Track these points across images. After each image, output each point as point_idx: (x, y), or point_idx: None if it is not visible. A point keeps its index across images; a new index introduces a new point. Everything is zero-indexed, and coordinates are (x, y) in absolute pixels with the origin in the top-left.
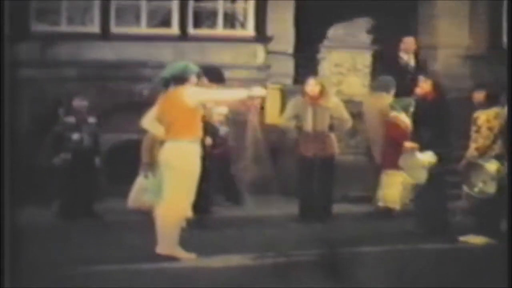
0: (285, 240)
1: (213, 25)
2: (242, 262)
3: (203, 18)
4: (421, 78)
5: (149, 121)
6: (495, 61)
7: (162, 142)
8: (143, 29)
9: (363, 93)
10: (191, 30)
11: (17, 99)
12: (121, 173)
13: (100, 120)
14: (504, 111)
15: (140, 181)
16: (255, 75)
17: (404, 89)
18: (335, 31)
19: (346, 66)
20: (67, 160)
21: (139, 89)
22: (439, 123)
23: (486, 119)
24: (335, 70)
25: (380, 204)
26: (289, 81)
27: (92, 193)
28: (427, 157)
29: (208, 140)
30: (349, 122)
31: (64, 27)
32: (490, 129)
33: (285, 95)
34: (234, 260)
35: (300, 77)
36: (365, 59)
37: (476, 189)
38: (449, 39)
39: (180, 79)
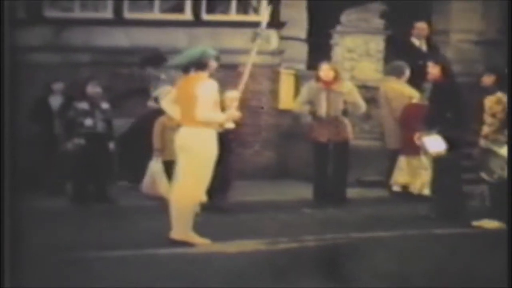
0: (299, 225)
1: (226, 10)
2: (256, 247)
3: (216, 3)
4: (430, 64)
5: (167, 102)
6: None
7: (173, 128)
8: (156, 14)
9: (377, 78)
10: (204, 16)
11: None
12: (135, 158)
13: (114, 105)
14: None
15: (153, 167)
16: (268, 60)
17: (417, 74)
18: (348, 16)
19: (359, 51)
20: (80, 145)
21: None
22: (450, 107)
23: (490, 105)
24: (348, 55)
25: (396, 189)
26: (302, 66)
27: (106, 178)
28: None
29: (230, 124)
30: (362, 107)
31: (77, 13)
32: (493, 115)
33: (299, 80)
34: (248, 245)
35: (313, 62)
36: (378, 44)
37: (495, 176)
38: (461, 24)
39: (199, 64)
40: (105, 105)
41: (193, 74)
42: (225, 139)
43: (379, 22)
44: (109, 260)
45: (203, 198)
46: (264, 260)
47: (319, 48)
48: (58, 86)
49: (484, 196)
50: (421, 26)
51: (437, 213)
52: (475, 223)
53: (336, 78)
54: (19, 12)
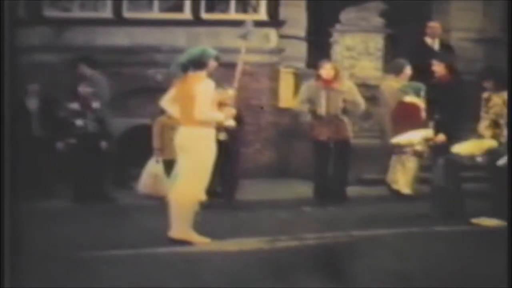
0: (299, 224)
1: (225, 9)
2: (257, 246)
3: (215, 2)
4: (435, 62)
5: (167, 101)
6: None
7: (172, 127)
8: (155, 14)
9: (376, 77)
10: (203, 15)
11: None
12: (135, 158)
13: (108, 105)
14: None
15: (151, 167)
16: (268, 59)
17: (427, 73)
18: (347, 15)
19: (358, 49)
20: (72, 145)
21: (153, 74)
22: (454, 105)
23: (494, 103)
24: (347, 54)
25: (394, 187)
26: (302, 65)
27: (102, 177)
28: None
29: (230, 122)
30: (362, 106)
31: (76, 13)
32: (496, 113)
33: (298, 78)
34: (249, 243)
35: (313, 61)
36: (377, 42)
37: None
38: (462, 23)
39: (198, 63)
40: (96, 105)
41: (191, 73)
42: (232, 138)
43: (378, 21)
44: (108, 260)
45: (203, 197)
46: (264, 259)
47: (318, 46)
48: (33, 87)
49: (477, 193)
50: (434, 25)
51: (437, 211)
52: (474, 220)
53: (336, 76)
54: (19, 12)
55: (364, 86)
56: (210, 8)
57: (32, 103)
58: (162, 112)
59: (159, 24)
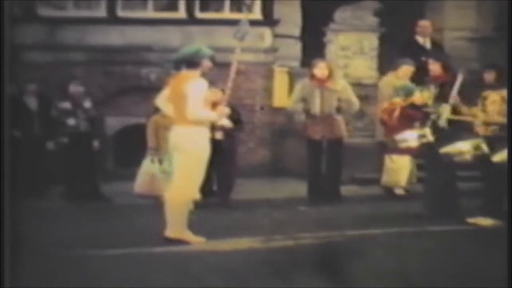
0: (293, 223)
1: (219, 8)
2: (251, 245)
3: (210, 1)
4: (431, 61)
5: (162, 100)
6: (502, 43)
7: (166, 126)
8: (149, 13)
9: (370, 76)
10: (197, 14)
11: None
12: (129, 157)
13: (101, 104)
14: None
15: (147, 166)
16: (262, 58)
17: (421, 72)
18: (341, 14)
19: (352, 49)
20: (64, 144)
21: (146, 73)
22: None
23: (493, 100)
24: (342, 53)
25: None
26: (296, 64)
27: (95, 177)
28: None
29: (228, 122)
30: (356, 105)
31: (70, 11)
32: (494, 111)
33: (292, 78)
34: (243, 243)
35: (307, 60)
36: (372, 42)
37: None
38: (456, 22)
39: (191, 62)
40: (87, 104)
41: (184, 72)
42: (228, 137)
43: (373, 20)
44: (104, 259)
45: (197, 196)
46: (258, 258)
47: (313, 45)
48: (32, 86)
49: (472, 191)
50: (425, 24)
51: (431, 210)
52: (470, 220)
53: (330, 76)
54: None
55: (358, 85)
56: (204, 7)
57: (31, 103)
58: (156, 111)
59: (153, 23)
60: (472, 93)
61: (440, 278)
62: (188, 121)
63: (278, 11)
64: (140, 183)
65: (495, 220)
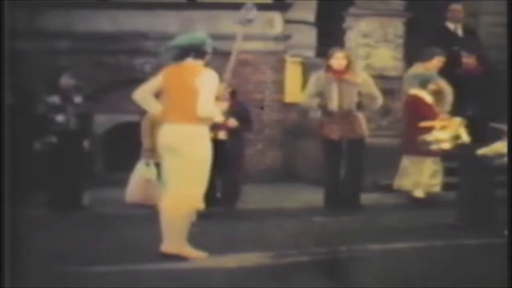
0: (308, 235)
1: None
2: (260, 261)
3: None
4: (464, 54)
5: (143, 94)
6: None
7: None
8: None
9: (395, 67)
10: None
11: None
12: (120, 159)
13: (90, 99)
14: None
15: (141, 170)
16: (272, 47)
17: (451, 62)
18: None
19: (375, 36)
20: (52, 145)
21: (141, 64)
22: (486, 100)
23: None
24: (363, 41)
25: (418, 195)
26: (311, 53)
27: (82, 182)
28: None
29: (233, 121)
30: (379, 100)
31: None
32: None
33: (306, 69)
34: (251, 258)
35: (323, 49)
36: (397, 28)
37: None
38: (492, 5)
39: (200, 51)
40: (78, 99)
41: (190, 62)
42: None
43: (398, 3)
44: (89, 277)
45: (201, 205)
46: (268, 276)
47: (329, 33)
48: (10, 79)
49: None
50: (456, 8)
51: (466, 221)
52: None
53: (349, 67)
54: None
55: (382, 78)
56: None
57: (10, 98)
58: None
59: (148, 7)
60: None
61: None
62: (190, 118)
63: None
64: (133, 190)
65: None
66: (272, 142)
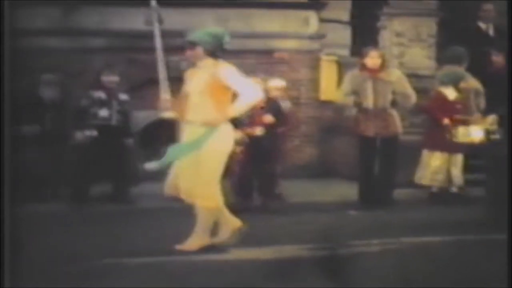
0: (343, 229)
1: None
2: (296, 254)
3: None
4: (493, 52)
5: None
6: None
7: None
8: None
9: (428, 66)
10: None
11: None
12: (156, 155)
13: (132, 96)
14: None
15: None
16: (307, 45)
17: (482, 62)
18: None
19: (408, 35)
20: (92, 138)
21: (176, 61)
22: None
23: None
24: (396, 40)
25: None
26: (345, 52)
27: (125, 177)
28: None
29: (269, 118)
30: (413, 98)
31: None
32: None
33: (341, 68)
34: (286, 251)
35: (358, 48)
36: (430, 27)
37: None
38: None
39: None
40: (123, 96)
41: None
42: (270, 134)
43: (431, 3)
44: (125, 269)
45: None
46: (304, 268)
47: (364, 32)
48: (49, 77)
49: None
50: (488, 8)
51: (494, 216)
52: None
53: (383, 65)
54: None
55: (415, 77)
56: None
57: (47, 94)
58: None
59: (183, 4)
60: None
61: None
62: (221, 118)
63: None
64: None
65: None
66: (308, 139)
